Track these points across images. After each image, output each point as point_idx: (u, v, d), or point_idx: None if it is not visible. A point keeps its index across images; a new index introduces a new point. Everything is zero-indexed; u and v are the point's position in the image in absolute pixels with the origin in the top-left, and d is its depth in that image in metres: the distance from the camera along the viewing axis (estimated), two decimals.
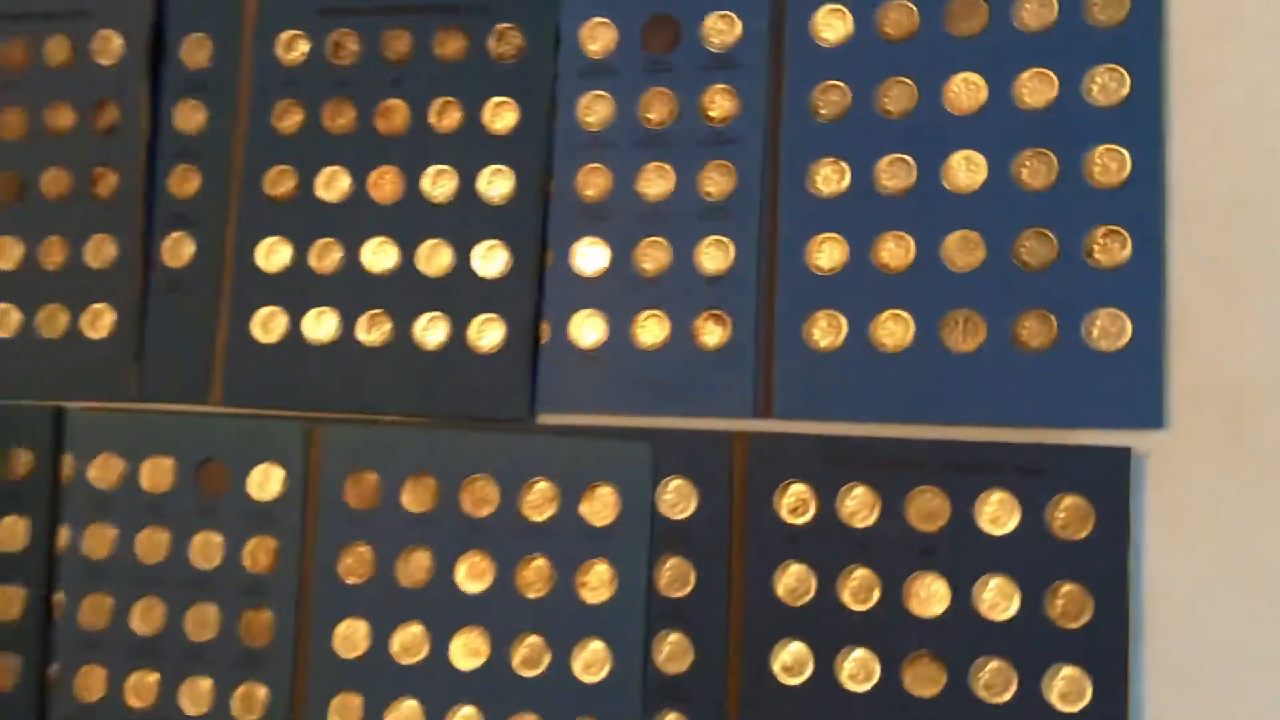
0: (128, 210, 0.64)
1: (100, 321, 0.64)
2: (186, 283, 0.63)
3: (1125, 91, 0.53)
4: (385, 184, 0.61)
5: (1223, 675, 0.50)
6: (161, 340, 0.63)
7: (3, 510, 0.64)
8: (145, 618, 0.62)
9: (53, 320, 0.65)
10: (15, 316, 0.65)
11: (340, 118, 0.62)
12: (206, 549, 0.61)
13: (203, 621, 0.61)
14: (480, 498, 0.58)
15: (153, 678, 0.61)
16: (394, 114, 0.62)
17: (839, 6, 0.57)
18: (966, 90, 0.55)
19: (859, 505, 0.54)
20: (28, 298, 0.65)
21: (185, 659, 0.61)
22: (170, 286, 0.63)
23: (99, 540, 0.63)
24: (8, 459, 0.64)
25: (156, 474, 0.62)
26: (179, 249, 0.64)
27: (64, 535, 0.63)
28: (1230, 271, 0.51)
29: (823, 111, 0.57)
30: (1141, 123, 0.52)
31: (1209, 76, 0.52)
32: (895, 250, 0.55)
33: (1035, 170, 0.54)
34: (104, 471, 0.63)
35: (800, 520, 0.54)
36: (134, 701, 0.62)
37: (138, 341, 0.64)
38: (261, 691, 0.60)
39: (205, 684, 0.61)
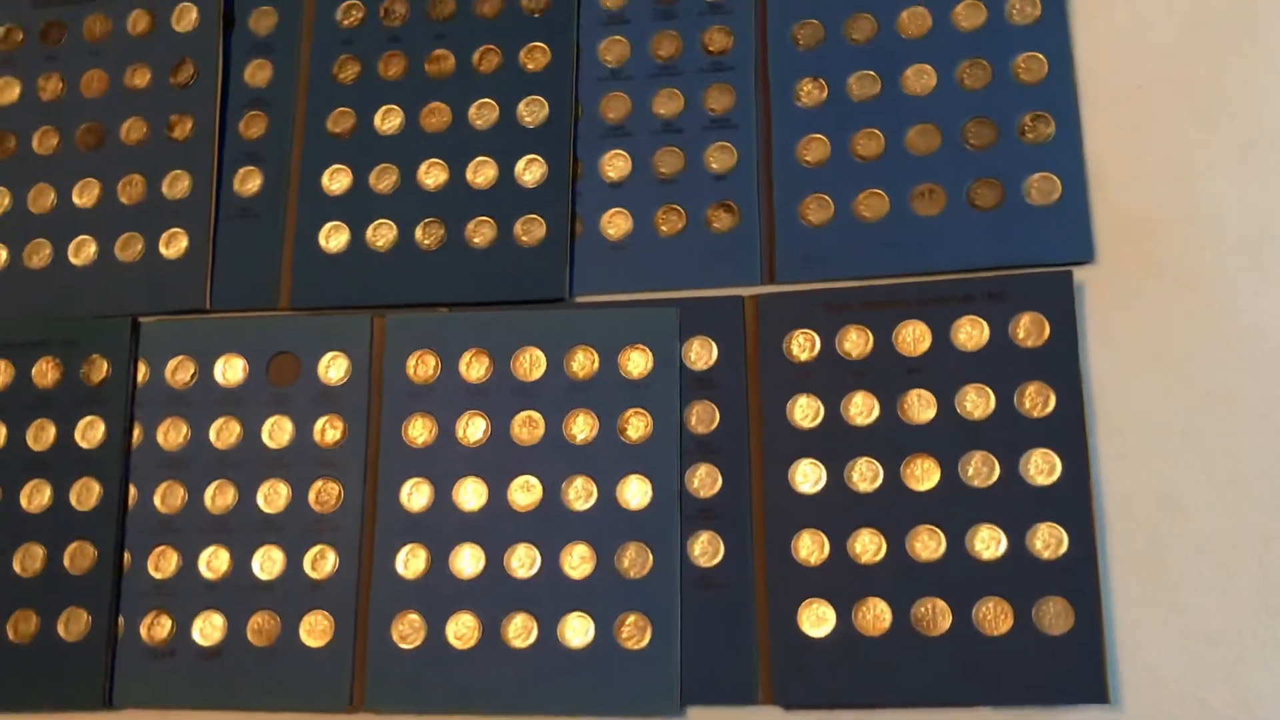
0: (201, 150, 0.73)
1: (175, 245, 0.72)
2: (255, 208, 0.72)
3: (1038, 12, 0.68)
4: (435, 117, 0.72)
5: (1158, 437, 0.62)
6: (230, 257, 0.72)
7: (83, 412, 0.70)
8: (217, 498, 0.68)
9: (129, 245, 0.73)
10: (90, 248, 0.73)
11: (392, 68, 0.73)
12: (276, 432, 0.69)
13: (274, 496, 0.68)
14: (529, 365, 0.68)
15: (224, 552, 0.68)
16: (442, 61, 0.73)
17: None
18: (914, 19, 0.69)
19: (855, 342, 0.65)
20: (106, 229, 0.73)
21: (258, 530, 0.67)
22: (240, 212, 0.72)
23: (173, 434, 0.69)
24: (87, 366, 0.71)
25: (228, 371, 0.70)
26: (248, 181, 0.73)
27: (137, 432, 0.70)
28: (1134, 139, 0.66)
29: (801, 41, 0.70)
30: (1054, 32, 0.67)
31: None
32: (867, 143, 0.68)
33: (974, 75, 0.68)
34: (177, 373, 0.70)
35: (806, 357, 0.65)
36: (207, 574, 0.67)
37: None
38: (331, 553, 0.67)
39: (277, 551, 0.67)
